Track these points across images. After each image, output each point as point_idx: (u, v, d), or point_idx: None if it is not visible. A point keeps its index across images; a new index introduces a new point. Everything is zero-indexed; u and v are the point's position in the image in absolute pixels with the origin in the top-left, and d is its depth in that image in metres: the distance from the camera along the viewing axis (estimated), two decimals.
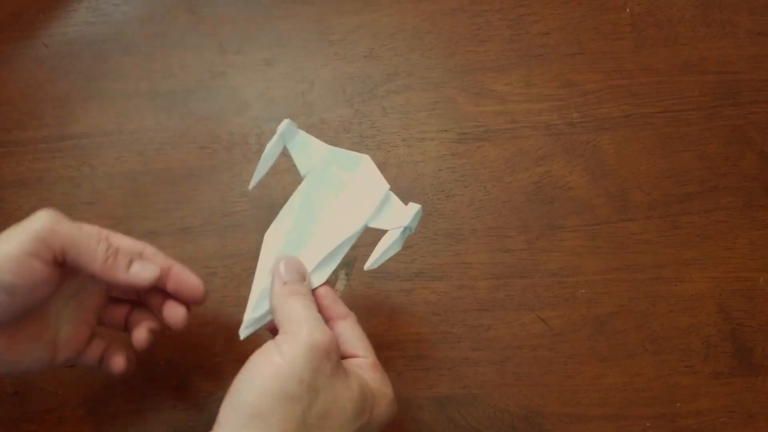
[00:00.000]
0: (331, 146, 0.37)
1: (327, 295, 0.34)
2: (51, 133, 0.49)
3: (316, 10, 0.51)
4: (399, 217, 0.35)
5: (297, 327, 0.30)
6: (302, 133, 0.37)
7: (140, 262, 0.34)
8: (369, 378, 0.32)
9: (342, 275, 0.45)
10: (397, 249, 0.35)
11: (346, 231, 0.35)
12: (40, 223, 0.32)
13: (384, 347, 0.44)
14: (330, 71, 0.50)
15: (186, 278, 0.35)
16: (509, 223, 0.46)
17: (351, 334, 0.33)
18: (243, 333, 0.34)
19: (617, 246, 0.45)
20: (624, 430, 0.43)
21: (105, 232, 0.34)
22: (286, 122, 0.36)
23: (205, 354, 0.44)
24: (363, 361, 0.33)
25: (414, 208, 0.35)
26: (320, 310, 0.33)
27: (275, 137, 0.36)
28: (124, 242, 0.35)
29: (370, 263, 0.35)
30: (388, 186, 0.35)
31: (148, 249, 0.35)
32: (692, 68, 0.49)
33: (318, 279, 0.35)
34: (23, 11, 0.51)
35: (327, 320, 0.33)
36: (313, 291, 0.34)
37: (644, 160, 0.47)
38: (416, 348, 0.44)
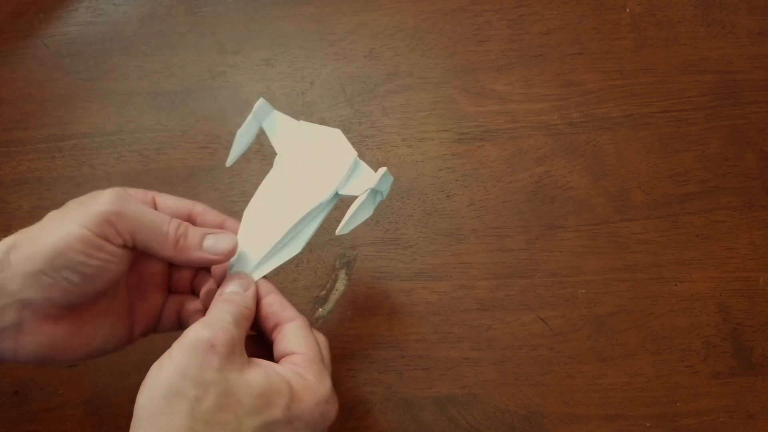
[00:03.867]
0: (304, 122, 0.37)
1: (273, 303, 0.33)
2: (51, 133, 0.49)
3: (316, 10, 0.51)
4: (368, 182, 0.35)
5: (190, 327, 0.30)
6: (276, 112, 0.37)
7: (212, 236, 0.33)
8: (296, 373, 0.30)
9: (342, 275, 0.45)
10: (367, 214, 0.35)
11: (318, 198, 0.34)
12: (107, 204, 0.30)
13: (384, 347, 0.44)
14: (330, 71, 0.50)
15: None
16: (509, 223, 0.46)
17: (294, 334, 0.32)
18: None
19: (617, 246, 0.45)
20: (624, 430, 0.43)
21: (150, 194, 0.33)
22: (260, 101, 0.37)
23: None
24: (299, 357, 0.31)
25: (381, 170, 0.34)
26: (268, 317, 0.33)
27: (249, 116, 0.36)
28: (170, 202, 0.34)
29: (340, 228, 0.34)
30: (355, 153, 0.35)
31: (198, 206, 0.35)
32: (692, 68, 0.49)
33: (296, 247, 0.35)
34: (23, 11, 0.51)
35: (276, 324, 0.33)
36: (259, 301, 0.34)
37: (644, 160, 0.47)
38: (416, 348, 0.44)
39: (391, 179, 0.35)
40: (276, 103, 0.49)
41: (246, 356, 0.30)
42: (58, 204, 0.46)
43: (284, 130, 0.37)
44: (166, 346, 0.42)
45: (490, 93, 0.49)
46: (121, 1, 0.52)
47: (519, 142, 0.48)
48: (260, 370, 0.29)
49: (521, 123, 0.48)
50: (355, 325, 0.45)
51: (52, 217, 0.31)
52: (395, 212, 0.47)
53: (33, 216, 0.43)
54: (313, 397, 0.30)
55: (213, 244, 0.33)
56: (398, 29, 0.50)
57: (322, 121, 0.48)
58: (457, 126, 0.48)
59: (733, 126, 0.48)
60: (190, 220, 0.35)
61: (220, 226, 0.35)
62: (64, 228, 0.30)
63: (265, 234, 0.34)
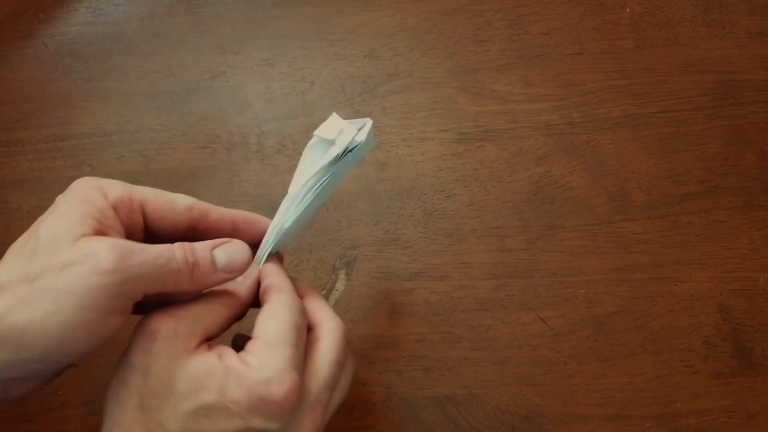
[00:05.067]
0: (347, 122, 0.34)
1: (268, 275, 0.32)
2: (51, 133, 0.49)
3: (316, 10, 0.51)
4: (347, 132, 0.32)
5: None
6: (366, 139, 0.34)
7: (222, 250, 0.30)
8: (239, 358, 0.28)
9: (342, 275, 0.45)
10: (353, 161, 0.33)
11: (308, 174, 0.32)
12: (111, 273, 0.25)
13: (384, 347, 0.44)
14: (330, 71, 0.50)
15: (255, 220, 0.33)
16: (509, 223, 0.46)
17: (263, 317, 0.30)
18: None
19: (617, 246, 0.45)
20: (624, 430, 0.43)
21: (137, 204, 0.30)
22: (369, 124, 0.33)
23: None
24: (255, 343, 0.29)
25: (365, 123, 0.32)
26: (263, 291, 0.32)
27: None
28: (166, 213, 0.30)
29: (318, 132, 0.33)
30: (344, 123, 0.32)
31: (196, 211, 0.32)
32: (692, 68, 0.49)
33: (299, 222, 0.33)
34: (23, 11, 0.51)
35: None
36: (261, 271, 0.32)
37: (644, 160, 0.47)
38: (416, 348, 0.44)
39: (371, 130, 0.32)
40: (276, 103, 0.49)
41: (195, 342, 0.28)
42: None
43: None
44: None
45: (490, 93, 0.49)
46: (121, 1, 0.52)
47: (519, 142, 0.48)
48: (199, 356, 0.28)
49: (521, 123, 0.48)
50: (355, 325, 0.45)
51: (45, 248, 0.26)
52: (395, 212, 0.47)
53: (33, 216, 0.43)
54: (249, 381, 0.27)
55: (227, 262, 0.30)
56: (398, 29, 0.50)
57: (323, 121, 0.48)
58: (457, 126, 0.48)
59: (733, 126, 0.48)
60: (192, 228, 0.32)
61: (231, 225, 0.32)
62: (63, 310, 0.25)
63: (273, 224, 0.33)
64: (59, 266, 0.25)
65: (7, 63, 0.50)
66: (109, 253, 0.26)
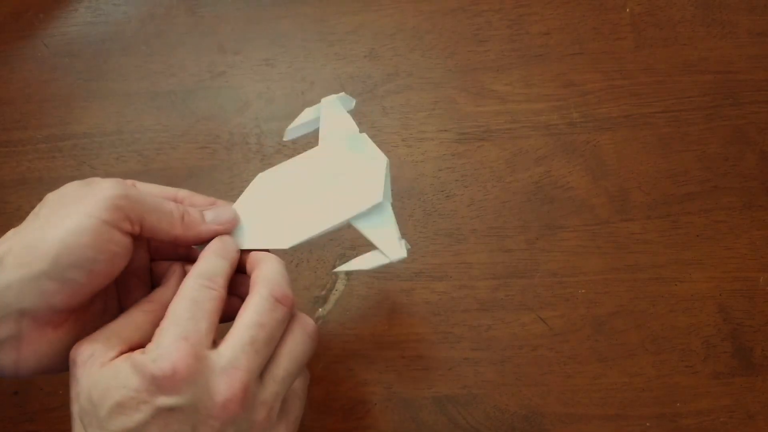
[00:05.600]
0: (362, 133, 0.36)
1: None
2: (51, 133, 0.49)
3: (316, 10, 0.51)
4: (384, 239, 0.35)
5: None
6: (340, 108, 0.36)
7: (211, 210, 0.33)
8: (139, 351, 0.28)
9: (342, 275, 0.45)
10: (368, 268, 0.35)
11: (327, 218, 0.34)
12: (112, 189, 0.29)
13: (384, 347, 0.44)
14: (330, 71, 0.50)
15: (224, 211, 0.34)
16: (509, 223, 0.46)
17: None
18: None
19: (617, 246, 0.45)
20: (624, 430, 0.43)
21: (129, 183, 0.32)
22: (333, 99, 0.36)
23: None
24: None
25: (403, 250, 0.35)
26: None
27: (315, 108, 0.36)
28: (154, 189, 0.33)
29: (339, 268, 0.36)
30: (382, 196, 0.34)
31: (182, 192, 0.34)
32: (692, 68, 0.49)
33: (287, 243, 0.34)
34: (23, 11, 0.51)
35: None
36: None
37: (644, 160, 0.47)
38: (416, 348, 0.44)
39: (401, 257, 0.35)
40: (276, 103, 0.49)
41: (113, 355, 0.28)
42: None
43: (336, 129, 0.36)
44: None
45: (490, 93, 0.49)
46: (121, 1, 0.52)
47: (519, 142, 0.48)
48: (109, 366, 0.27)
49: (521, 123, 0.48)
50: (355, 325, 0.45)
51: (51, 208, 0.29)
52: (395, 212, 0.46)
53: None
54: (141, 365, 0.27)
55: (215, 215, 0.33)
56: (398, 29, 0.50)
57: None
58: (457, 126, 0.48)
59: (733, 126, 0.48)
60: (177, 202, 0.34)
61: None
62: (69, 221, 0.27)
63: (265, 220, 0.34)
64: (71, 191, 0.29)
65: (7, 63, 0.50)
66: (111, 180, 0.30)
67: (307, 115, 0.37)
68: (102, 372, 0.27)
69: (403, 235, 0.46)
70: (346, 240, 0.46)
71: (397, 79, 0.49)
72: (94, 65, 0.50)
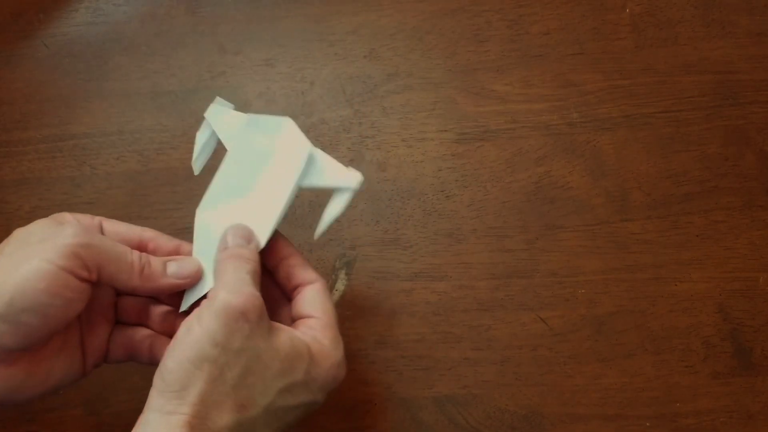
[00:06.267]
0: (250, 114, 0.36)
1: (296, 264, 0.34)
2: (51, 133, 0.49)
3: (316, 10, 0.51)
4: (334, 176, 0.34)
5: (216, 291, 0.30)
6: (224, 110, 0.37)
7: (175, 262, 0.33)
8: (313, 337, 0.32)
9: (342, 275, 0.45)
10: (341, 211, 0.35)
11: (278, 197, 0.34)
12: (74, 236, 0.29)
13: (384, 347, 0.44)
14: (330, 71, 0.50)
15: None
16: (509, 223, 0.46)
17: (312, 297, 0.33)
18: (182, 306, 0.34)
19: (617, 246, 0.45)
20: (624, 430, 0.43)
21: (96, 223, 0.33)
22: (212, 105, 0.37)
23: None
24: (315, 321, 0.33)
25: (356, 173, 0.34)
26: (290, 277, 0.34)
27: (203, 124, 0.37)
28: (120, 228, 0.34)
29: (317, 232, 0.35)
30: (309, 145, 0.34)
31: (148, 232, 0.35)
32: (692, 68, 0.49)
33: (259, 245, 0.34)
34: (23, 11, 0.51)
35: (296, 286, 0.34)
36: (282, 256, 0.34)
37: (644, 160, 0.47)
38: (416, 348, 0.44)
39: (358, 180, 0.34)
40: (276, 103, 0.49)
41: (269, 320, 0.31)
42: (58, 204, 0.47)
43: (232, 124, 0.36)
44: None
45: (490, 93, 0.49)
46: (121, 2, 0.52)
47: (519, 142, 0.48)
48: (284, 335, 0.31)
49: (521, 123, 0.48)
50: (355, 325, 0.45)
51: (14, 247, 0.30)
52: (395, 212, 0.47)
53: (33, 216, 0.43)
54: (328, 361, 0.32)
55: (177, 269, 0.33)
56: (398, 29, 0.50)
57: (322, 121, 0.48)
58: (457, 126, 0.48)
59: (733, 126, 0.48)
60: (142, 246, 0.34)
61: (176, 251, 0.35)
62: (27, 265, 0.28)
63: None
64: (31, 235, 0.30)
65: (7, 63, 0.50)
66: (73, 225, 0.30)
67: (201, 137, 0.37)
68: (280, 342, 0.31)
69: (403, 234, 0.46)
70: (346, 240, 0.46)
71: (397, 80, 0.49)
72: (95, 65, 0.50)
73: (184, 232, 0.46)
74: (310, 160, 0.34)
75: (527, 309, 0.45)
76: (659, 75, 0.49)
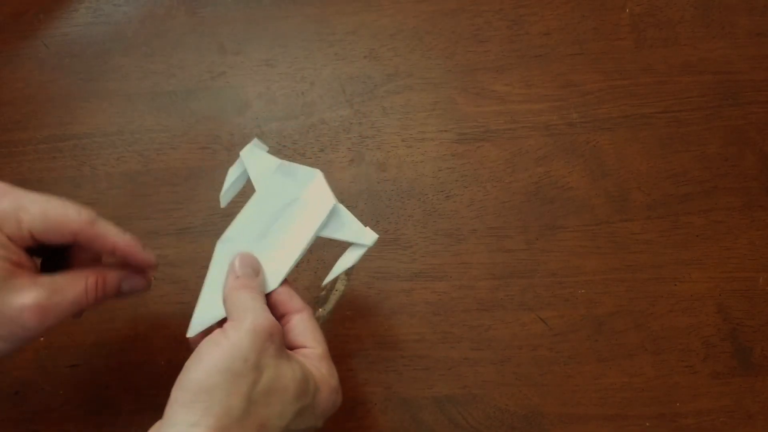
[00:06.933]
0: (283, 160, 0.37)
1: (283, 292, 0.35)
2: (51, 133, 0.49)
3: (316, 10, 0.51)
4: (352, 231, 0.36)
5: (243, 314, 0.31)
6: (258, 152, 0.38)
7: (126, 282, 0.35)
8: (313, 367, 0.33)
9: (342, 275, 0.45)
10: (354, 264, 0.37)
11: (296, 243, 0.36)
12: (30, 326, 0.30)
13: (384, 347, 0.44)
14: (330, 71, 0.50)
15: (138, 252, 0.35)
16: (509, 223, 0.46)
17: (303, 327, 0.35)
18: (190, 332, 0.35)
19: (617, 246, 0.45)
20: (624, 430, 0.43)
21: (20, 219, 0.32)
22: (249, 145, 0.38)
23: None
24: (310, 352, 0.34)
25: (372, 232, 0.36)
26: (277, 305, 0.35)
27: (237, 162, 0.38)
28: (36, 224, 0.33)
29: (327, 280, 0.37)
30: (334, 200, 0.36)
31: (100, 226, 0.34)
32: (692, 68, 0.49)
33: (271, 286, 0.36)
34: (23, 11, 0.51)
35: (283, 314, 0.35)
36: (270, 292, 0.35)
37: (644, 160, 0.47)
38: (416, 348, 0.44)
39: (374, 238, 0.36)
40: (276, 103, 0.49)
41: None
42: None
43: (264, 167, 0.37)
44: (167, 346, 0.42)
45: (490, 93, 0.49)
46: (121, 2, 0.52)
47: (519, 143, 0.48)
48: (297, 363, 0.32)
49: (521, 123, 0.48)
50: (355, 325, 0.45)
51: None
52: (395, 212, 0.47)
53: None
54: (328, 388, 0.33)
55: (130, 288, 0.35)
56: (398, 29, 0.50)
57: (322, 121, 0.48)
58: (457, 126, 0.48)
59: (732, 126, 0.48)
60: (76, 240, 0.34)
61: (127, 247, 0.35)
62: None
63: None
64: None
65: (7, 63, 0.50)
66: (32, 314, 0.30)
67: (233, 173, 0.38)
68: (294, 366, 0.32)
69: (403, 234, 0.46)
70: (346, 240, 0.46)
71: (397, 80, 0.49)
72: (95, 66, 0.50)
73: (184, 232, 0.46)
74: (332, 213, 0.36)
75: (527, 309, 0.45)
76: (659, 75, 0.49)
